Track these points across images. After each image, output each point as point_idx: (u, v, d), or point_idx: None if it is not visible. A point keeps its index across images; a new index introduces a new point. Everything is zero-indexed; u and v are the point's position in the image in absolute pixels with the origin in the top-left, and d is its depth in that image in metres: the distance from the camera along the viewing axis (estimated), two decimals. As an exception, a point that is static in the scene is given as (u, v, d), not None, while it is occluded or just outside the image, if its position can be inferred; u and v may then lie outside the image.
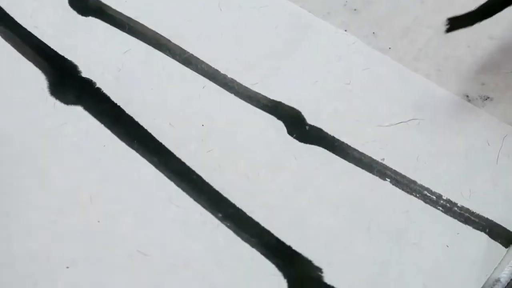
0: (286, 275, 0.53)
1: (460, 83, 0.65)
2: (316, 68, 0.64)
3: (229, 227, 0.55)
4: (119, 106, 0.60)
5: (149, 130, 0.59)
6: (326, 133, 0.60)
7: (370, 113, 0.62)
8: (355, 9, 0.69)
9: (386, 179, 0.58)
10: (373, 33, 0.67)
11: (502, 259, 0.55)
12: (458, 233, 0.56)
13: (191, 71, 0.63)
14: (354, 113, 0.62)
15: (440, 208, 0.57)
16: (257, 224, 0.55)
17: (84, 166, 0.57)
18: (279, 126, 0.60)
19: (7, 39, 0.64)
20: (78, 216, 0.55)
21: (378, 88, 0.63)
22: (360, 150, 0.59)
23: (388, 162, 0.59)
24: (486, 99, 0.64)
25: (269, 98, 0.62)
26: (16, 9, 0.66)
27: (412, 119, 0.61)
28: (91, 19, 0.66)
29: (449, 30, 0.60)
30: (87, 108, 0.60)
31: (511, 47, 0.67)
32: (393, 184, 0.58)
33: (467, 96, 0.64)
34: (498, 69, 0.66)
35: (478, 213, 0.57)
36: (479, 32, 0.66)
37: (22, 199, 0.55)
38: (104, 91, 0.61)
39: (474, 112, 0.63)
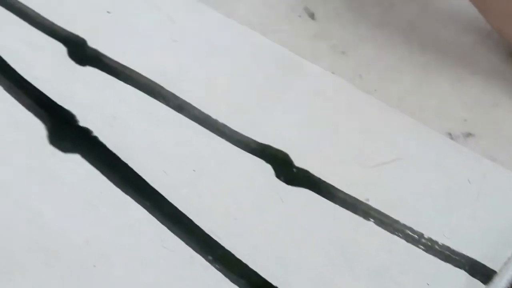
0: (273, 314, 0.56)
1: (443, 120, 0.67)
2: (304, 110, 0.67)
3: (218, 269, 0.58)
4: (114, 154, 0.63)
5: (143, 176, 0.62)
6: (313, 175, 0.63)
7: (355, 154, 0.64)
8: (342, 52, 0.71)
9: (370, 219, 0.60)
10: (360, 75, 0.69)
11: (481, 296, 0.57)
12: (438, 271, 0.58)
13: (183, 117, 0.66)
14: (339, 154, 0.64)
15: (422, 247, 0.59)
16: (245, 265, 0.58)
17: (81, 211, 0.60)
18: (267, 169, 0.63)
19: (8, 89, 0.67)
20: (73, 259, 0.58)
21: (363, 129, 0.66)
22: (345, 191, 0.62)
23: (372, 203, 0.61)
24: (468, 136, 0.66)
25: (258, 142, 0.64)
26: (17, 60, 0.69)
27: (396, 159, 0.64)
28: (88, 68, 0.69)
29: None
30: (84, 155, 0.63)
31: (491, 81, 0.69)
32: (376, 224, 0.60)
33: (450, 134, 0.66)
34: (479, 104, 0.68)
35: (458, 251, 0.59)
36: (461, 69, 0.68)
37: (19, 243, 0.58)
38: (100, 139, 0.64)
39: (456, 150, 0.65)
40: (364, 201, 0.61)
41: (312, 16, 0.75)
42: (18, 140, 0.64)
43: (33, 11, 0.74)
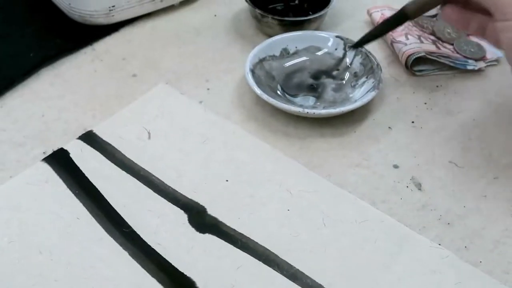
0: None
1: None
2: (411, 281, 0.70)
3: None
4: (233, 323, 0.67)
5: None
6: None
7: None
8: (448, 223, 0.75)
9: None
10: (465, 246, 0.72)
11: None
12: None
13: (297, 286, 0.69)
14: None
15: None
16: None
17: None
18: None
19: (133, 256, 0.72)
20: None
21: (469, 301, 0.69)
22: None
23: None
24: None
25: (370, 313, 0.68)
26: (142, 227, 0.74)
27: None
28: (207, 236, 0.74)
29: None
30: (205, 323, 0.67)
31: None
32: None
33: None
34: None
35: None
36: None
37: None
38: (219, 308, 0.68)
39: None
40: None
41: (419, 186, 0.79)
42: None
43: (157, 178, 0.80)
